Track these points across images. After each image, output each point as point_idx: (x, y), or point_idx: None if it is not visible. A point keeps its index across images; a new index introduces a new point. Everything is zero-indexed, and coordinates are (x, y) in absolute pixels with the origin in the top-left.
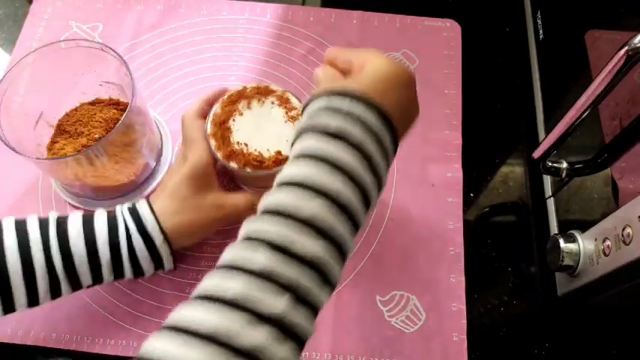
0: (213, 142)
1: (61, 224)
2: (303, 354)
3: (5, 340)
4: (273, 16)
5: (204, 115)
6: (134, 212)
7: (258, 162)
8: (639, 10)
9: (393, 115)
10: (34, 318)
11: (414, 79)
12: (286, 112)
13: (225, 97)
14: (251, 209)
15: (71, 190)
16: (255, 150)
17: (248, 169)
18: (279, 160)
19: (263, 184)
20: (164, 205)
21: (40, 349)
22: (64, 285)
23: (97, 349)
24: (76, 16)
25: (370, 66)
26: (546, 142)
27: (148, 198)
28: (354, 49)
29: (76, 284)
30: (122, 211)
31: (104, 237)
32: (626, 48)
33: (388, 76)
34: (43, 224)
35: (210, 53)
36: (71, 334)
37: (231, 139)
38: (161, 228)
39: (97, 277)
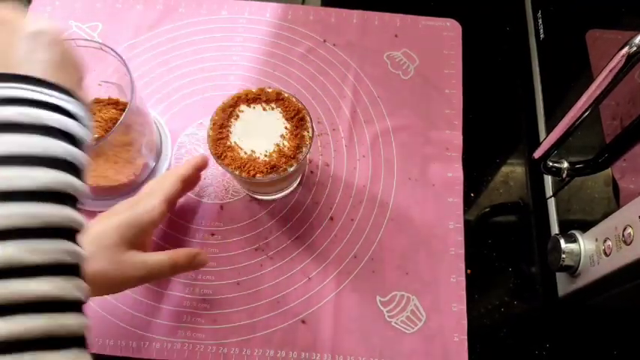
0: (222, 163)
1: None
2: (303, 354)
3: None
4: (273, 15)
5: (185, 182)
6: None
7: (273, 166)
8: None
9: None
10: None
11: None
12: (262, 107)
13: (215, 115)
14: (174, 268)
15: None
16: (265, 154)
17: (265, 175)
18: (290, 156)
19: (281, 185)
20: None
21: None
22: None
23: (96, 350)
24: (76, 16)
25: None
26: (547, 141)
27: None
28: None
29: None
30: None
31: None
32: (627, 48)
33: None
34: None
35: (210, 53)
36: None
37: (239, 153)
38: None
39: None
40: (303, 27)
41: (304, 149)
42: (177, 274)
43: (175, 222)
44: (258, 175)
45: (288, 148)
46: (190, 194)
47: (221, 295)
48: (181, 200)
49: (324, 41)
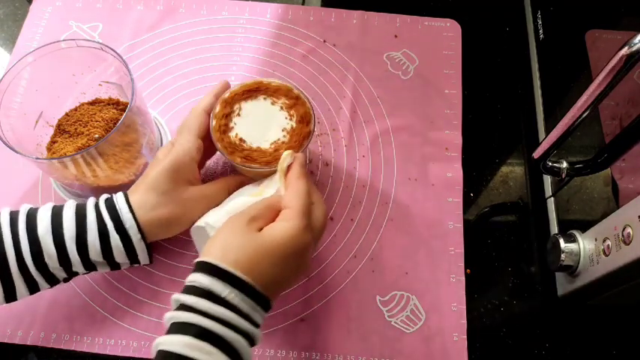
0: (226, 154)
1: (31, 220)
2: (303, 354)
3: (5, 340)
4: (273, 15)
5: (209, 110)
6: (111, 209)
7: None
8: (639, 10)
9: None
10: (34, 318)
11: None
12: (272, 102)
13: (217, 110)
14: (229, 192)
15: (71, 190)
16: (271, 146)
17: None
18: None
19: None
20: (143, 199)
21: (40, 349)
22: (40, 281)
23: (97, 349)
24: (76, 16)
25: (271, 234)
26: (546, 141)
27: (126, 191)
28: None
29: (51, 280)
30: (97, 205)
31: (71, 234)
32: (626, 48)
33: (281, 250)
34: (13, 220)
35: (210, 53)
36: (71, 334)
37: (245, 145)
38: (138, 225)
39: (70, 273)
40: (303, 27)
41: (305, 142)
42: None
43: None
44: (254, 164)
45: (292, 141)
46: None
47: None
48: None
49: (324, 42)
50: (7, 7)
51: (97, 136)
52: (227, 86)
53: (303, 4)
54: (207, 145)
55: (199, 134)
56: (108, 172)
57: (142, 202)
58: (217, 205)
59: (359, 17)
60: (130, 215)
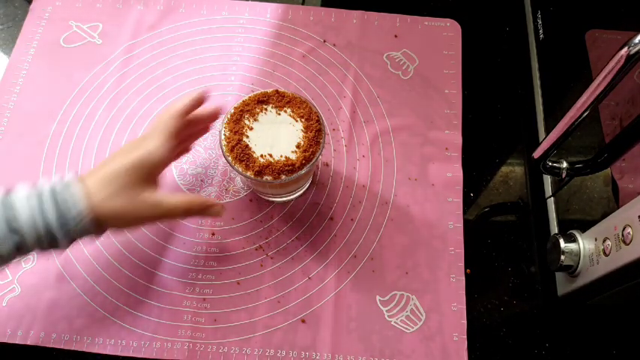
0: (239, 168)
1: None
2: (303, 354)
3: (5, 340)
4: (273, 15)
5: (184, 116)
6: (63, 194)
7: (290, 166)
8: (639, 10)
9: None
10: (34, 318)
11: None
12: (279, 111)
13: (229, 116)
14: (187, 213)
15: None
16: (281, 156)
17: (283, 176)
18: (306, 158)
19: (295, 187)
20: (100, 187)
21: (40, 349)
22: None
23: (96, 349)
24: (76, 16)
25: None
26: (546, 141)
27: (81, 175)
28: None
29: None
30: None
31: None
32: (626, 48)
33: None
34: None
35: (210, 53)
36: (71, 334)
37: (255, 155)
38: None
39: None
40: (303, 27)
41: (317, 152)
42: (188, 217)
43: (176, 222)
44: (267, 177)
45: (303, 150)
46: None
47: (221, 294)
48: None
49: (324, 41)
50: (7, 7)
51: None
52: (204, 96)
53: (303, 4)
54: (177, 149)
55: (171, 135)
56: None
57: (98, 189)
58: (173, 217)
59: (359, 17)
60: (82, 201)
